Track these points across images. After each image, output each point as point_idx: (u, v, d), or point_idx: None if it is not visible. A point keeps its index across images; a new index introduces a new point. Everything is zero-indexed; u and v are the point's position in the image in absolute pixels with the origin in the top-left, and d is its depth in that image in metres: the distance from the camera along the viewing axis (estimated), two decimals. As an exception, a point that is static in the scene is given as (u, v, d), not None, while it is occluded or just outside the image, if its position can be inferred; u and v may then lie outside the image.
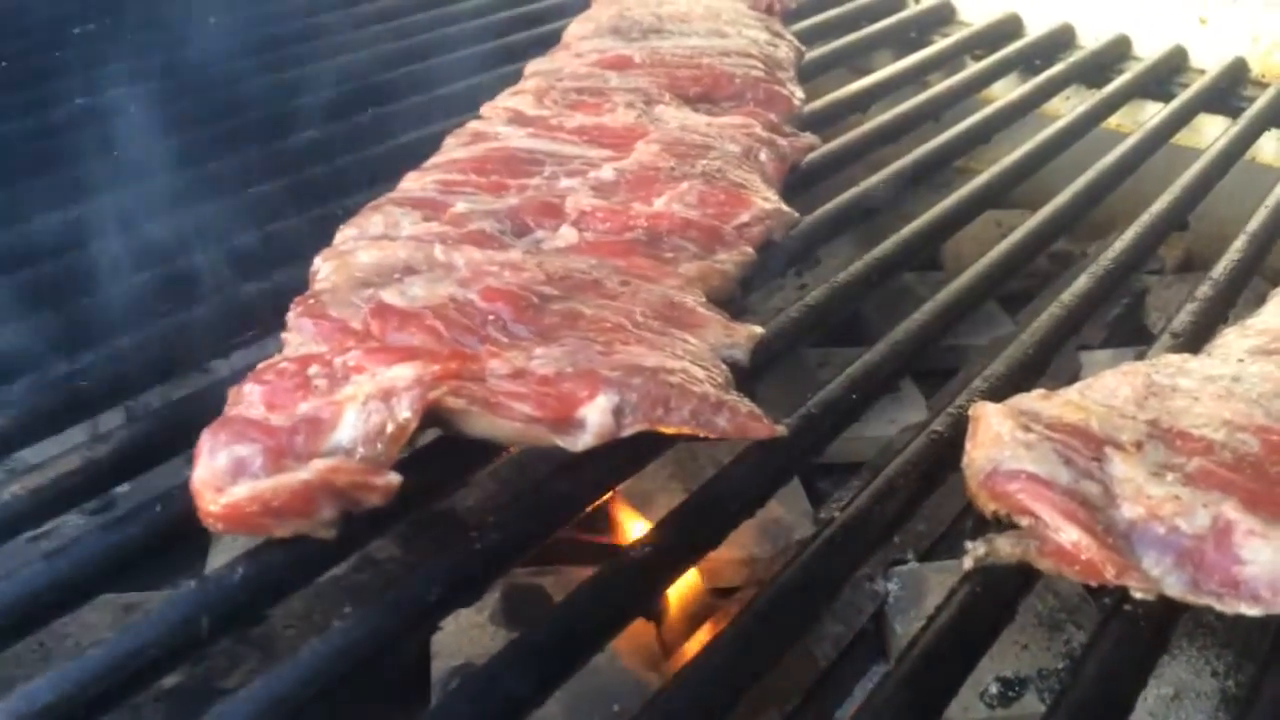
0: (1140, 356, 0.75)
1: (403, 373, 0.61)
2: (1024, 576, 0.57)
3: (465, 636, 0.80)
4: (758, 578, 0.80)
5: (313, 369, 0.62)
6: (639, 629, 0.82)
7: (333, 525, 0.56)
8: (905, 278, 1.25)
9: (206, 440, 0.57)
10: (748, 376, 0.71)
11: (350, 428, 0.59)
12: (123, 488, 0.96)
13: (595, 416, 0.61)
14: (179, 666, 0.53)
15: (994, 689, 0.77)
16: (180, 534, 0.59)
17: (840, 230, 0.95)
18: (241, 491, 0.54)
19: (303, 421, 0.59)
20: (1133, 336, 1.23)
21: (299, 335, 0.68)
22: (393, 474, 0.57)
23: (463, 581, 0.55)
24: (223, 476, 0.55)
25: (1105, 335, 1.23)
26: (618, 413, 0.62)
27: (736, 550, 0.89)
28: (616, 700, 0.75)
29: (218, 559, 0.85)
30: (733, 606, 0.83)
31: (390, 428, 0.59)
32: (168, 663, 0.51)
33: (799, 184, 1.00)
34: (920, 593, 0.84)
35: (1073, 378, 0.70)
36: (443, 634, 0.79)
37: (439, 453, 0.64)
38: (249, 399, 0.60)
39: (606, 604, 0.54)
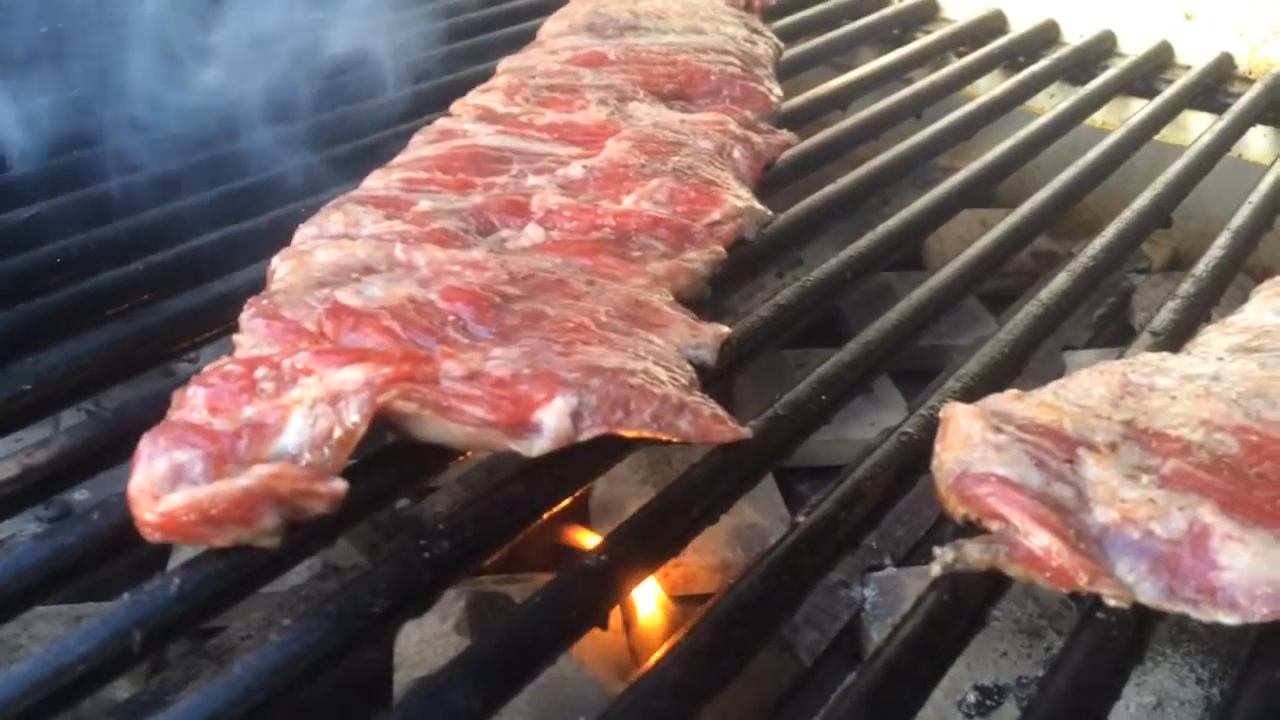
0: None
1: (352, 375, 0.59)
2: (994, 583, 0.55)
3: (429, 647, 0.77)
4: (725, 590, 0.78)
5: (260, 371, 0.60)
6: (607, 638, 0.80)
7: (276, 534, 0.54)
8: (887, 277, 1.24)
9: (145, 446, 0.55)
10: (716, 377, 0.69)
11: (296, 433, 0.56)
12: (82, 493, 0.95)
13: (552, 420, 0.59)
14: (111, 682, 0.51)
15: (972, 697, 0.75)
16: (120, 543, 0.56)
17: (818, 228, 0.93)
18: (179, 500, 0.52)
19: (246, 426, 0.56)
20: (1119, 336, 1.21)
21: (251, 337, 0.66)
22: (338, 481, 0.55)
23: (409, 592, 0.53)
24: (161, 483, 0.53)
25: (1091, 335, 1.21)
26: (576, 416, 0.60)
27: (710, 556, 0.87)
28: (583, 711, 0.73)
29: (175, 566, 0.83)
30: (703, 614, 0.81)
31: (338, 433, 0.57)
32: (99, 678, 0.49)
33: (776, 181, 0.98)
34: (898, 598, 0.82)
35: (1057, 378, 0.68)
36: (406, 644, 0.77)
37: (398, 456, 0.62)
38: (192, 403, 0.58)
39: (559, 614, 0.52)
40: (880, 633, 0.79)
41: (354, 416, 0.57)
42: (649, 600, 0.83)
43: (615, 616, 0.82)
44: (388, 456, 0.62)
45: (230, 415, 0.57)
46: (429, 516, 0.88)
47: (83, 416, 0.96)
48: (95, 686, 0.49)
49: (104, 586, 0.82)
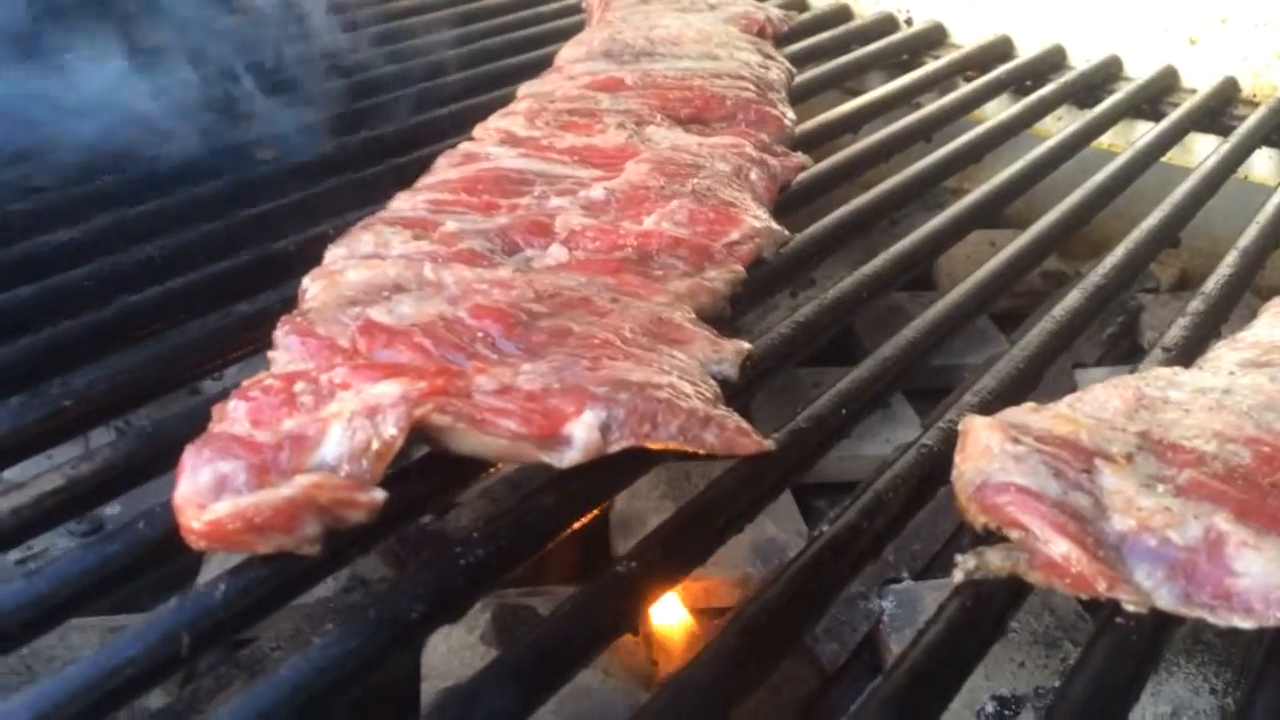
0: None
1: (389, 389, 0.60)
2: (1015, 591, 0.56)
3: (456, 657, 0.79)
4: (751, 597, 0.80)
5: (299, 386, 0.62)
6: (633, 648, 0.81)
7: (317, 542, 0.55)
8: (898, 298, 1.26)
9: (189, 457, 0.57)
10: (738, 392, 0.71)
11: (335, 444, 0.58)
12: (113, 508, 0.97)
13: (582, 433, 0.61)
14: (158, 685, 0.52)
15: (990, 708, 0.76)
16: (163, 552, 0.58)
17: (833, 248, 0.95)
18: (224, 508, 0.54)
19: (287, 438, 0.58)
20: (1128, 355, 1.23)
21: (286, 353, 0.68)
22: (378, 490, 0.57)
23: (446, 599, 0.54)
24: (205, 493, 0.55)
25: (1100, 354, 1.23)
26: (605, 429, 0.61)
27: (730, 570, 0.89)
28: (611, 719, 0.74)
29: (209, 577, 0.85)
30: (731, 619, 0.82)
31: (376, 445, 0.58)
32: (147, 681, 0.51)
33: (790, 203, 1.00)
34: (915, 611, 0.83)
35: (1068, 395, 0.70)
36: (433, 654, 0.79)
37: (430, 468, 0.64)
38: (233, 415, 0.60)
39: (588, 622, 0.53)
40: (898, 644, 0.81)
41: (391, 429, 0.59)
42: (670, 613, 0.84)
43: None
44: (419, 469, 0.64)
45: (271, 428, 0.59)
46: (454, 530, 0.90)
47: (112, 434, 0.97)
48: (144, 690, 0.51)
49: (135, 599, 0.84)
